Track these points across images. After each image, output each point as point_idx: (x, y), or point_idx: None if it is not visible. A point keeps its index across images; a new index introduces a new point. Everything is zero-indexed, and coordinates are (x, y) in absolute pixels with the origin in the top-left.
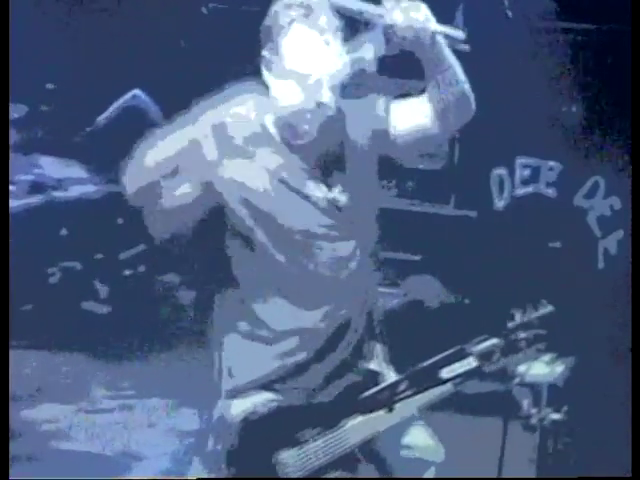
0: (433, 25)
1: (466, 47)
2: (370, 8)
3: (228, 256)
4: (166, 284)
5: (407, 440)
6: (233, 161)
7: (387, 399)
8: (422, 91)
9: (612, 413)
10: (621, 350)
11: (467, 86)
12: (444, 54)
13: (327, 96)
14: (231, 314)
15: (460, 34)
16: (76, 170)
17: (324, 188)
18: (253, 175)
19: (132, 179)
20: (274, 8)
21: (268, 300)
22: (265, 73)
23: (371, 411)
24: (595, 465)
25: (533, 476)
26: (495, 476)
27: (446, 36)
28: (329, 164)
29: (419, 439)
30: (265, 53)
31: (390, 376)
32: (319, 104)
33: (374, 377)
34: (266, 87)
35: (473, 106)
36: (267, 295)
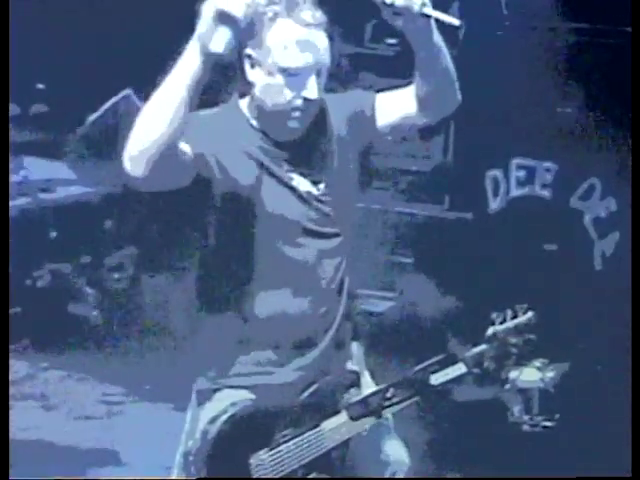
0: (429, 10)
1: (456, 22)
2: None
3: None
4: (155, 287)
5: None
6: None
7: (376, 405)
8: (408, 84)
9: (611, 415)
10: (619, 352)
11: (454, 76)
12: (436, 41)
13: (315, 92)
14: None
15: (456, 21)
16: (64, 171)
17: (308, 183)
18: (240, 163)
19: (136, 158)
20: (254, 3)
21: (249, 296)
22: (249, 71)
23: (360, 417)
24: (594, 467)
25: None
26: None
27: (440, 22)
28: (314, 159)
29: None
30: (249, 50)
31: (366, 377)
32: (306, 100)
33: (352, 377)
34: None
35: (458, 96)
36: (249, 290)
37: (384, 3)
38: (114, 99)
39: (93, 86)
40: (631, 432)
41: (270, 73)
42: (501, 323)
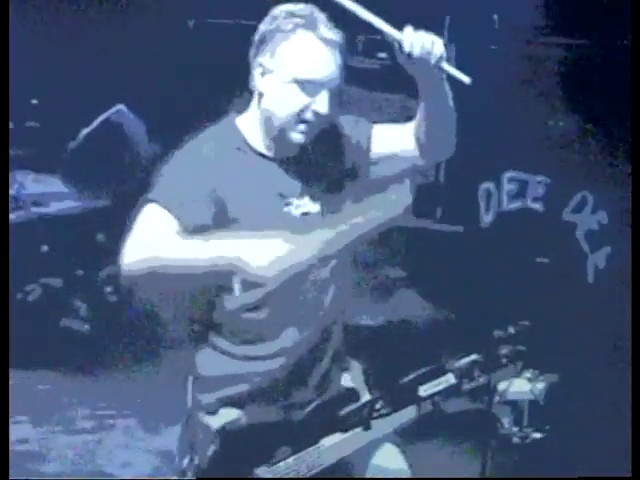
0: (445, 65)
1: (467, 79)
2: (391, 31)
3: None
4: (147, 301)
5: (377, 461)
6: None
7: (365, 417)
8: (407, 119)
9: (603, 426)
10: (612, 365)
11: (454, 125)
12: (445, 91)
13: (325, 106)
14: (209, 329)
15: (466, 79)
16: (56, 185)
17: (307, 202)
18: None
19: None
20: (273, 14)
21: (248, 316)
22: (259, 80)
23: (348, 429)
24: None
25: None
26: None
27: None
28: (315, 179)
29: (389, 461)
30: (261, 59)
31: (365, 394)
32: (316, 114)
33: (350, 394)
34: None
35: (454, 144)
36: (248, 311)
37: (401, 51)
38: (106, 113)
39: (86, 101)
40: (631, 438)
41: (283, 82)
42: None
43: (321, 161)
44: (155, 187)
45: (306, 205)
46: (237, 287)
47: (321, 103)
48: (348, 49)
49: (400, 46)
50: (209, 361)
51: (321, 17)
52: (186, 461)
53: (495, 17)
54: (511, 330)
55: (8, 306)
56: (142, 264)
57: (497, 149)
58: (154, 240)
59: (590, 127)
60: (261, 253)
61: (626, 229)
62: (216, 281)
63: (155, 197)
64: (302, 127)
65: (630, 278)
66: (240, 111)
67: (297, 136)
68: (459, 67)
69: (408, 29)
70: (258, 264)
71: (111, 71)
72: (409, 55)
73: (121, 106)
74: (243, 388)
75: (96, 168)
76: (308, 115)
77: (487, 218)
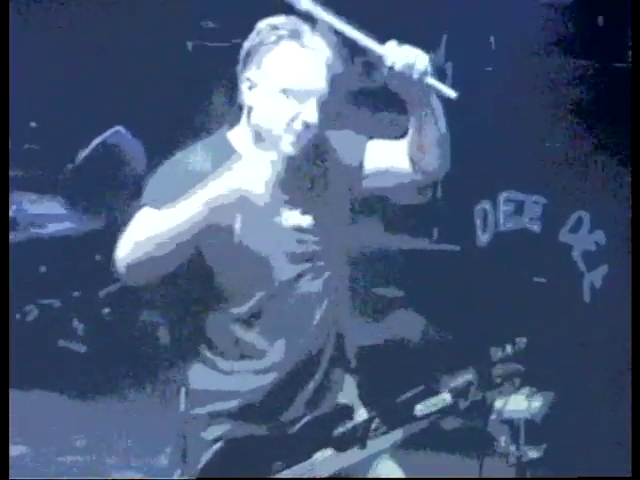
0: (429, 80)
1: (453, 94)
2: (374, 46)
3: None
4: (146, 322)
5: (375, 473)
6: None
7: (360, 436)
8: (402, 135)
9: (599, 445)
10: (609, 383)
11: (448, 142)
12: (432, 105)
13: (314, 116)
14: (200, 343)
15: (452, 93)
16: (54, 207)
17: (298, 214)
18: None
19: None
20: (258, 28)
21: (239, 331)
22: (247, 94)
23: (344, 448)
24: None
25: None
26: None
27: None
28: (305, 191)
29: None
30: (248, 73)
31: (360, 410)
32: (306, 124)
33: (345, 410)
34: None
35: (448, 162)
36: (239, 328)
37: (384, 65)
38: (104, 135)
39: (85, 123)
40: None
41: (270, 94)
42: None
43: (313, 175)
44: (144, 193)
45: (297, 218)
46: (238, 226)
47: (309, 112)
48: (347, 70)
49: (383, 60)
50: (200, 375)
51: (305, 27)
52: (177, 474)
53: (492, 39)
54: (508, 349)
55: (8, 326)
56: (137, 251)
57: (493, 169)
58: (144, 228)
59: (587, 147)
60: (255, 179)
61: (623, 248)
62: (215, 234)
63: (145, 201)
64: (291, 138)
65: (626, 297)
66: (232, 125)
67: (286, 148)
68: (455, 87)
69: (391, 43)
70: (257, 186)
71: (109, 93)
72: (391, 69)
73: (119, 127)
74: (234, 403)
75: (95, 189)
76: (297, 125)
77: (484, 238)
